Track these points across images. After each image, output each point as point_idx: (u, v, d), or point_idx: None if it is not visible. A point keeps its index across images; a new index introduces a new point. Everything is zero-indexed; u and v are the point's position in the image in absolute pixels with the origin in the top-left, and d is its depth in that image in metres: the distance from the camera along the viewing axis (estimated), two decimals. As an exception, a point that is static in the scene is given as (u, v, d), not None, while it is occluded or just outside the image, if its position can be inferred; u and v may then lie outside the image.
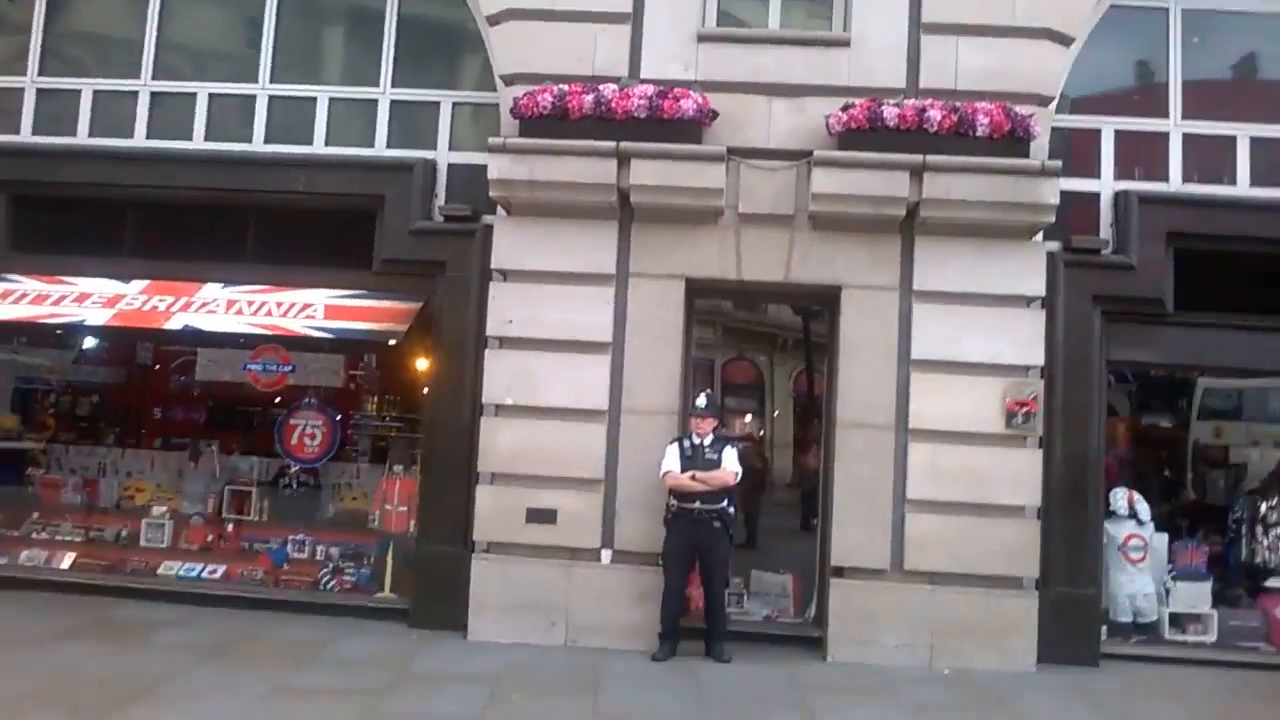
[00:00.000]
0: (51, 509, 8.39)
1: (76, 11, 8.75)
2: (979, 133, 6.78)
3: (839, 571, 7.05)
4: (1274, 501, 7.73)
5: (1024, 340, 7.01)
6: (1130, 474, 8.26)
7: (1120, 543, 7.25)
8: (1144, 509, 7.33)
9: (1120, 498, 7.31)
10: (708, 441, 6.89)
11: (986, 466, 6.92)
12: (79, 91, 8.26)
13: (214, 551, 8.13)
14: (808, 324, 12.18)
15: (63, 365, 9.46)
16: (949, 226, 6.99)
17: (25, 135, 8.27)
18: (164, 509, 8.24)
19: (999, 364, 6.99)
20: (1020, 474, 6.95)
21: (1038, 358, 7.02)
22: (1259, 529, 7.63)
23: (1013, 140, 6.79)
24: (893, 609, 6.95)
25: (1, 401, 9.06)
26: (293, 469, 8.35)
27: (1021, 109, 6.86)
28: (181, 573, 7.95)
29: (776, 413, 15.70)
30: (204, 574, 7.94)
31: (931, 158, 6.78)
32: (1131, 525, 7.28)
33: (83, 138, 8.20)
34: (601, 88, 7.10)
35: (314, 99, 8.11)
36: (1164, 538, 7.50)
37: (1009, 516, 6.93)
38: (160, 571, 7.97)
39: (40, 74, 8.35)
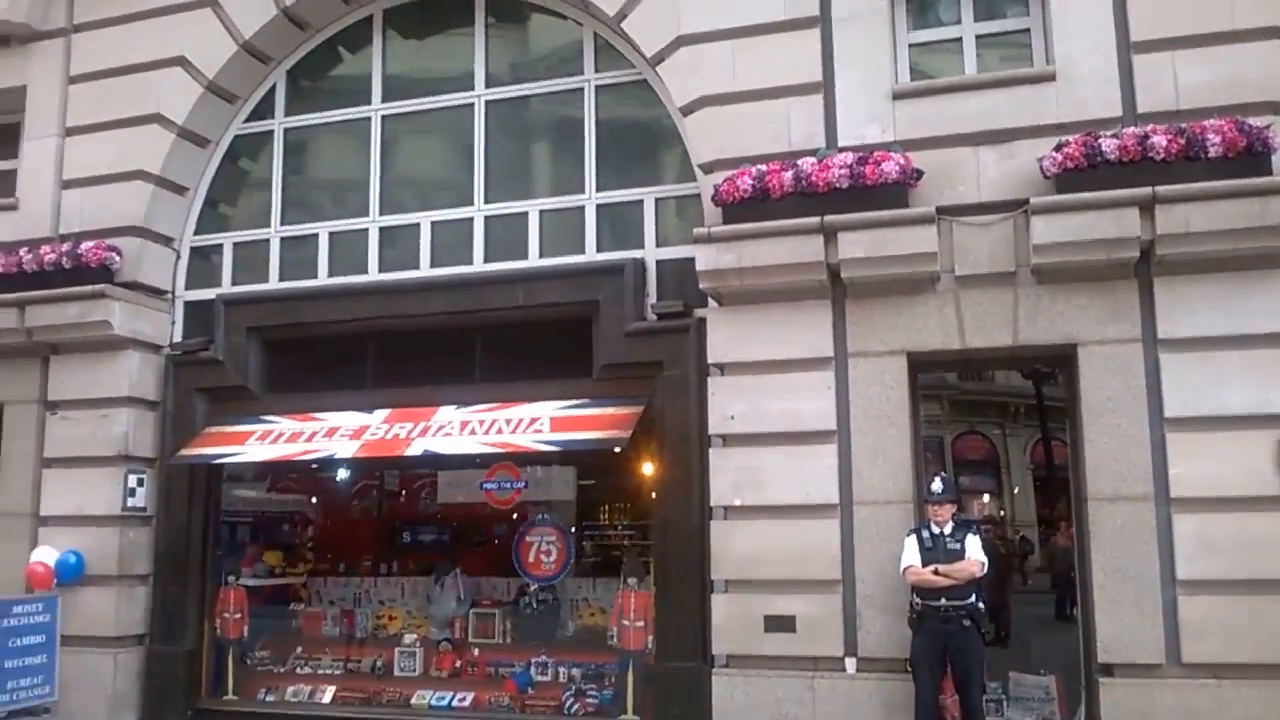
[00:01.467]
0: (313, 641, 11.10)
1: (309, 161, 11.81)
2: (1211, 154, 7.80)
3: (1108, 669, 8.04)
4: None
5: (1295, 382, 7.78)
6: None
7: None
8: None
9: None
10: (948, 529, 8.09)
11: (1267, 536, 7.71)
12: (316, 235, 11.27)
13: (462, 677, 10.41)
14: (1040, 388, 12.91)
15: (320, 497, 12.29)
16: (1191, 263, 8.00)
17: (273, 282, 11.29)
18: (414, 636, 10.69)
19: (1269, 414, 7.82)
20: (1304, 540, 7.69)
21: (1313, 401, 7.76)
22: None
23: (1251, 157, 7.77)
24: (1178, 711, 7.77)
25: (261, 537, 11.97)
26: (532, 587, 10.51)
27: (1256, 121, 7.83)
28: (434, 702, 10.26)
29: (1016, 489, 16.15)
30: (454, 702, 10.21)
31: (1161, 189, 7.83)
32: None
33: (322, 278, 11.10)
34: (800, 162, 8.84)
35: (525, 213, 10.55)
36: None
37: None
38: (414, 701, 10.33)
39: (282, 224, 11.40)
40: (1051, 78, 8.63)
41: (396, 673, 10.49)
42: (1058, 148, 8.20)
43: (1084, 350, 8.30)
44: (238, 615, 10.75)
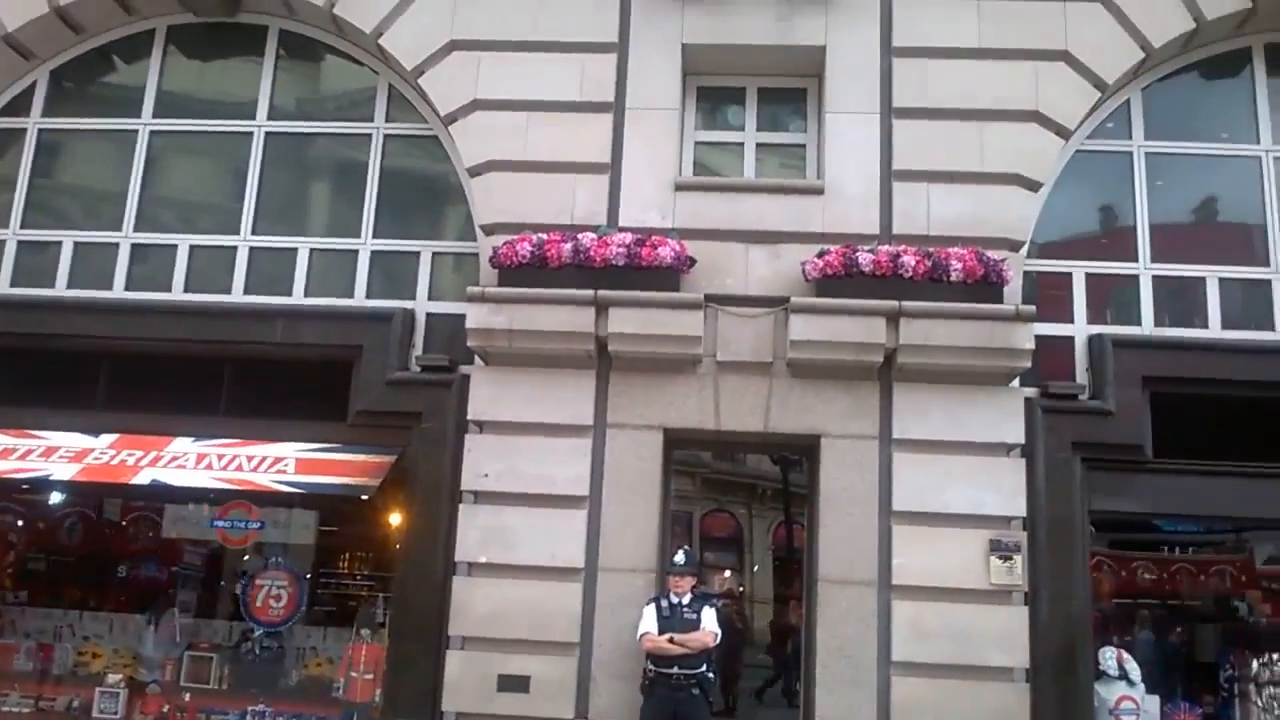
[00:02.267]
0: (1, 676, 10.06)
1: (62, 166, 11.10)
2: (953, 278, 8.66)
3: (823, 742, 8.49)
4: (1266, 658, 9.00)
5: (1006, 489, 8.72)
6: (1116, 630, 9.71)
7: (1112, 706, 8.62)
8: (1134, 669, 8.73)
9: (1110, 657, 8.75)
10: (686, 600, 8.40)
11: (973, 625, 8.49)
12: (60, 244, 10.50)
13: (169, 723, 9.70)
14: (786, 474, 13.84)
15: (25, 520, 11.30)
16: (927, 373, 8.81)
17: (3, 287, 10.43)
18: (119, 677, 9.90)
19: (982, 514, 8.68)
20: (1007, 632, 8.50)
21: (1020, 508, 8.72)
22: (1252, 688, 8.91)
23: (986, 285, 8.67)
24: (881, 786, 8.33)
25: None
26: (256, 633, 10.00)
27: (993, 254, 8.80)
28: (134, 748, 9.49)
29: (756, 567, 17.14)
30: (157, 749, 9.47)
31: (907, 304, 8.64)
32: (1123, 687, 8.67)
33: (60, 289, 10.35)
34: (580, 236, 9.11)
35: (295, 250, 10.27)
36: (1156, 700, 8.92)
37: (997, 679, 8.49)
38: (110, 746, 9.52)
39: (22, 226, 10.61)
40: (820, 191, 9.37)
41: (95, 714, 9.65)
42: (820, 255, 8.88)
43: (826, 442, 8.91)
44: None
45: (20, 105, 10.92)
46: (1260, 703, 9.01)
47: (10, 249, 10.56)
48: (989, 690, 8.38)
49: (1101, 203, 9.85)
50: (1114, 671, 8.68)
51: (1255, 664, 9.06)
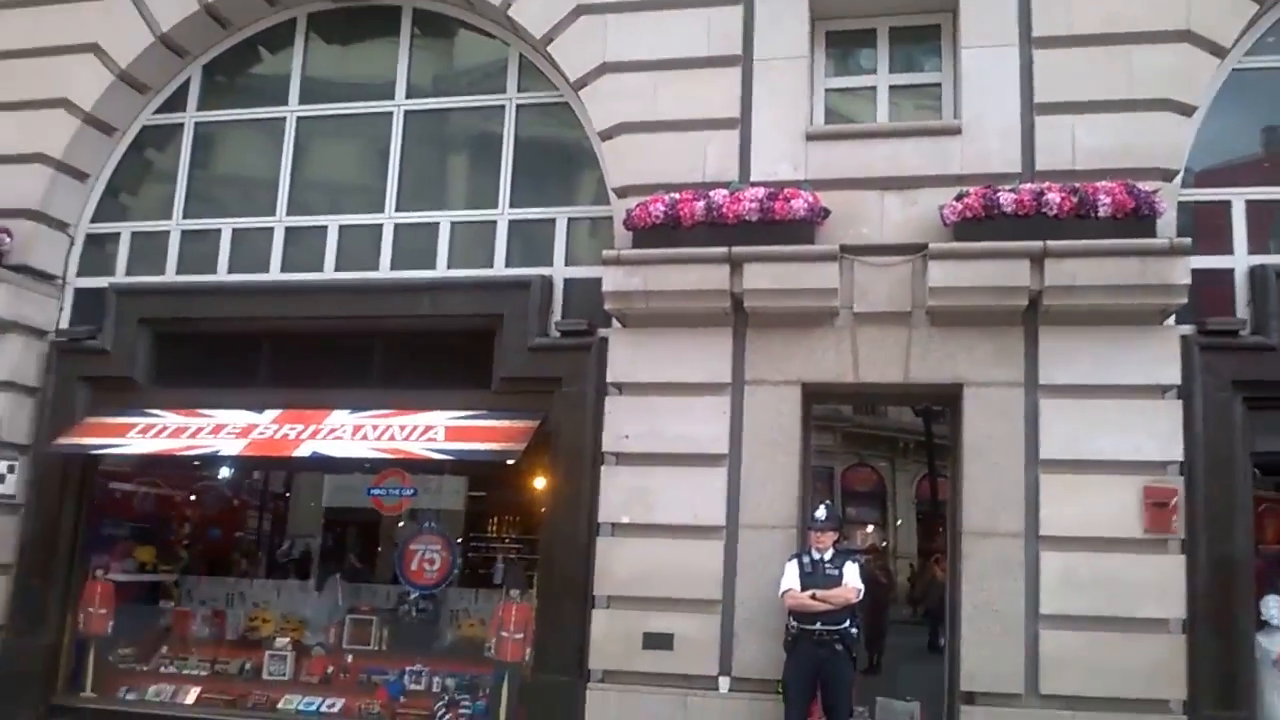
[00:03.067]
0: (180, 641, 10.73)
1: (218, 157, 11.60)
2: (1101, 214, 8.18)
3: (970, 698, 8.27)
4: None
5: (1161, 433, 8.23)
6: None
7: (1275, 657, 8.15)
8: (1299, 618, 8.18)
9: (1273, 606, 8.26)
10: (828, 556, 8.25)
11: (1126, 575, 8.08)
12: (219, 231, 11.01)
13: (334, 684, 10.14)
14: (930, 425, 13.37)
15: (198, 495, 11.90)
16: (1074, 315, 8.37)
17: (169, 275, 11.00)
18: (287, 640, 10.39)
19: (1136, 460, 8.23)
20: (1162, 582, 8.07)
21: (1177, 452, 8.22)
22: None
23: (1138, 219, 8.16)
24: (1029, 739, 8.03)
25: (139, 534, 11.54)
26: (412, 595, 10.31)
27: (1145, 185, 8.27)
28: (301, 707, 9.98)
29: (900, 522, 16.64)
30: (323, 708, 9.95)
31: (1052, 243, 8.20)
32: (1287, 637, 8.14)
33: (222, 275, 10.85)
34: (712, 193, 8.99)
35: (436, 224, 10.48)
36: (1325, 650, 8.22)
37: (1152, 631, 8.05)
38: (280, 706, 10.03)
39: (184, 217, 11.15)
40: (958, 131, 8.99)
41: (265, 676, 10.16)
42: (958, 198, 8.53)
43: (969, 391, 8.60)
44: (103, 611, 10.33)
45: (177, 101, 11.45)
46: None
47: (175, 239, 11.09)
48: (1143, 642, 7.97)
49: (1263, 124, 9.12)
50: (1277, 621, 8.20)
51: None
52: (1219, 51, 8.70)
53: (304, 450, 9.58)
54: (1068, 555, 8.16)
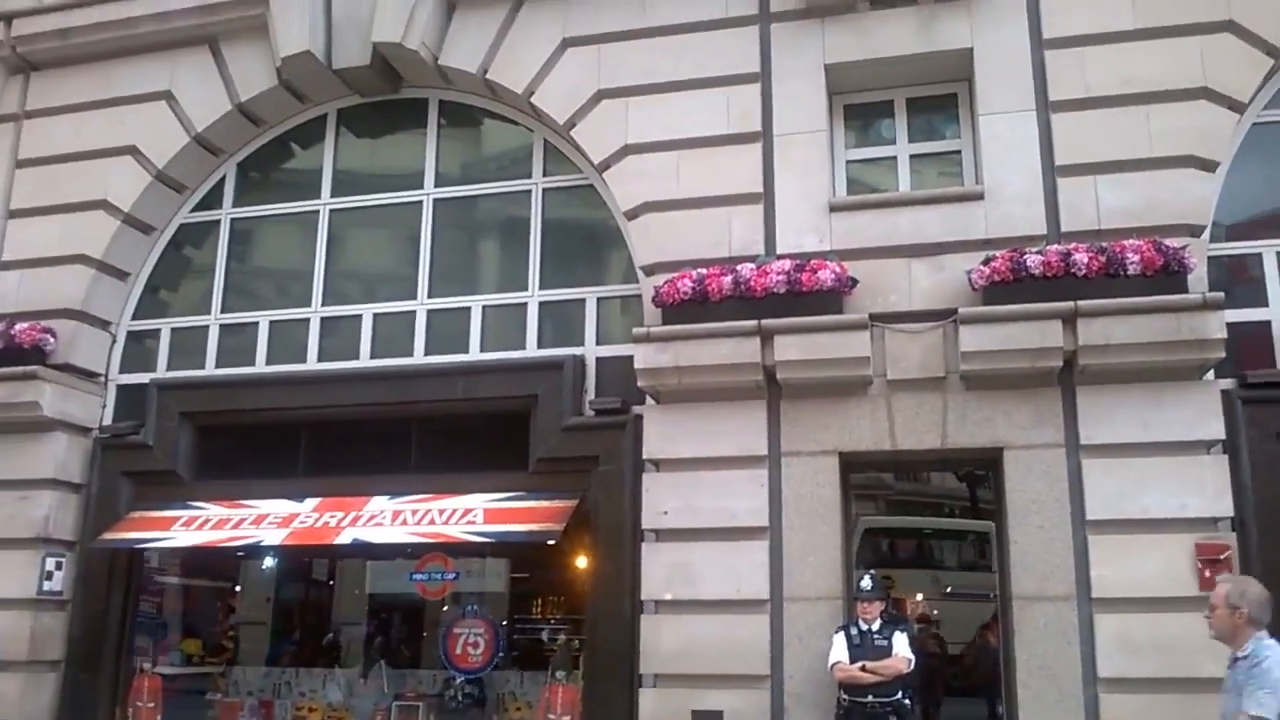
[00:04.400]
0: (228, 733, 10.41)
1: (254, 251, 11.58)
2: (1130, 272, 7.97)
3: (1032, 765, 7.84)
4: None
5: (1209, 489, 7.92)
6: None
7: (1343, 712, 7.57)
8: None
9: (1334, 658, 7.68)
10: (875, 626, 7.99)
11: (1183, 635, 7.63)
12: (257, 324, 10.97)
13: (382, 770, 9.78)
14: (974, 490, 13.04)
15: (243, 586, 11.75)
16: (1111, 373, 8.13)
17: (209, 369, 10.92)
18: (332, 731, 10.07)
19: (1185, 518, 7.91)
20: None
21: (1226, 508, 7.90)
22: None
23: (1168, 275, 7.94)
24: (1098, 807, 7.66)
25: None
26: (458, 680, 10.04)
27: (1173, 242, 8.06)
28: (352, 798, 9.65)
29: (949, 589, 16.26)
30: (373, 800, 9.60)
31: (1083, 303, 7.99)
32: (1346, 695, 7.61)
33: (260, 366, 10.77)
34: (739, 267, 8.85)
35: (468, 309, 10.38)
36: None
37: (1213, 691, 7.42)
38: (329, 799, 9.71)
39: (223, 311, 11.09)
40: (980, 196, 8.82)
41: (316, 765, 9.95)
42: (985, 262, 8.35)
43: (1010, 454, 8.33)
44: (151, 704, 10.09)
45: (213, 199, 11.47)
46: None
47: (214, 333, 11.04)
48: (1205, 703, 7.40)
49: (1289, 175, 8.96)
50: (1340, 674, 7.75)
51: None
52: (1237, 107, 8.54)
53: (345, 538, 9.40)
54: (1123, 617, 7.83)
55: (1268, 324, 8.46)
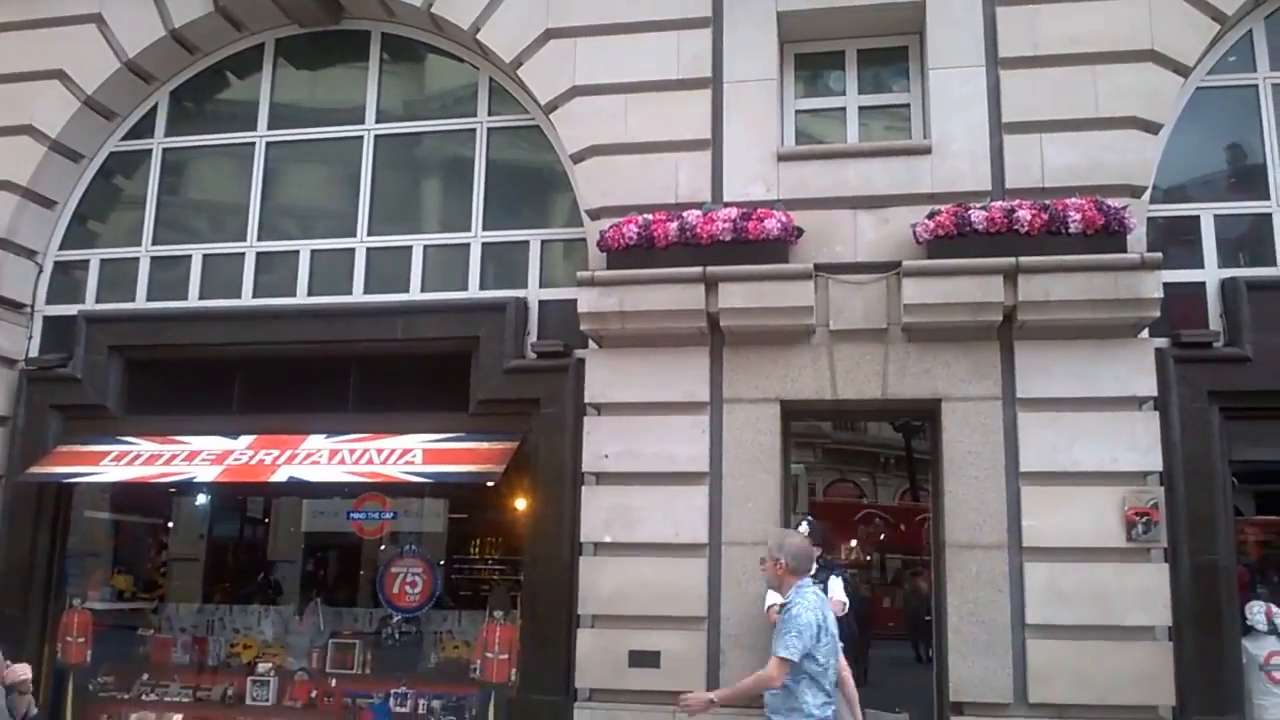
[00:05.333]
0: (161, 669, 10.26)
1: (187, 183, 11.23)
2: (1072, 230, 8.07)
3: (958, 708, 8.11)
4: None
5: (1139, 444, 8.12)
6: (1264, 583, 9.03)
7: (1261, 661, 8.01)
8: (1285, 622, 8.11)
9: (1258, 611, 8.12)
10: (811, 571, 8.03)
11: (1110, 584, 7.96)
12: (190, 257, 10.62)
13: (318, 708, 9.78)
14: (910, 440, 13.30)
15: (176, 522, 11.52)
16: (1049, 329, 8.26)
17: (140, 302, 10.59)
18: (269, 665, 9.99)
19: (1115, 471, 8.11)
20: (1146, 591, 7.95)
21: (1155, 463, 8.11)
22: None
23: (1108, 235, 8.06)
24: (1020, 747, 7.89)
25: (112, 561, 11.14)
26: (395, 619, 9.99)
27: (1114, 201, 8.17)
28: (286, 733, 9.59)
29: (882, 535, 16.64)
30: (308, 734, 9.54)
31: (1025, 259, 8.08)
32: (1273, 641, 8.04)
33: (193, 301, 10.46)
34: (685, 214, 8.78)
35: (409, 247, 10.16)
36: (1310, 654, 8.18)
37: (1138, 639, 7.93)
38: (264, 732, 9.63)
39: (154, 243, 10.74)
40: (928, 151, 8.84)
41: (248, 702, 9.78)
42: (930, 216, 8.40)
43: (948, 405, 8.45)
44: (81, 639, 9.91)
45: (144, 128, 11.05)
46: None
47: (144, 265, 10.69)
48: (1130, 650, 7.85)
49: (1228, 141, 9.04)
50: (1263, 626, 8.07)
51: None
52: (1182, 70, 8.63)
53: (281, 475, 9.22)
54: (1052, 566, 8.02)
55: (1202, 285, 8.62)
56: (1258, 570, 9.20)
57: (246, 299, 10.34)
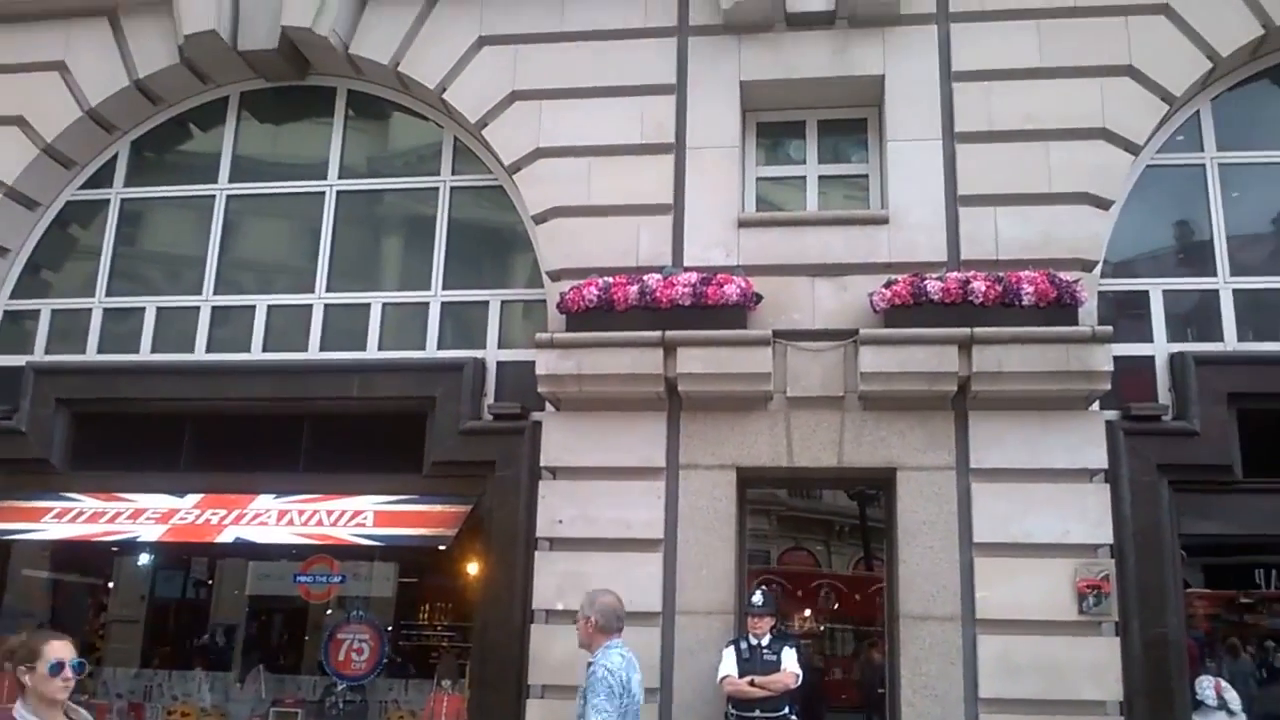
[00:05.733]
0: (96, 736, 9.91)
1: (144, 234, 11.18)
2: (1025, 302, 8.23)
3: (913, 781, 8.01)
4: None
5: (1090, 516, 8.21)
6: (1213, 657, 9.21)
7: (1211, 736, 8.05)
8: (1234, 698, 8.16)
9: (1207, 686, 8.20)
10: (765, 641, 8.05)
11: (1062, 658, 8.00)
12: (143, 310, 10.53)
13: (258, 777, 9.51)
14: (864, 509, 13.39)
15: (116, 584, 11.31)
16: (1002, 400, 8.37)
17: (90, 354, 10.46)
18: (206, 735, 9.75)
19: (1067, 544, 8.19)
20: (1098, 664, 7.99)
21: (1106, 535, 8.20)
22: None
23: (1060, 308, 8.22)
24: (985, 825, 7.86)
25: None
26: (340, 687, 9.80)
27: (1066, 275, 8.35)
28: (222, 806, 9.35)
29: (837, 605, 16.65)
30: (248, 803, 9.32)
31: (979, 330, 8.22)
32: (1222, 717, 8.09)
33: (145, 354, 10.34)
34: (646, 278, 8.86)
35: (368, 305, 10.13)
36: (1258, 729, 8.22)
37: (1091, 713, 7.97)
38: (199, 805, 9.39)
39: (107, 294, 10.66)
40: (885, 221, 9.01)
41: (186, 770, 9.59)
42: (887, 285, 8.53)
43: (902, 474, 8.51)
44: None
45: (103, 177, 10.99)
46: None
47: (97, 317, 10.57)
48: (1082, 726, 7.90)
49: (1176, 218, 9.32)
50: (1212, 701, 8.14)
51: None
52: (1133, 149, 8.89)
53: (227, 536, 9.04)
54: (1005, 638, 8.05)
55: (1151, 359, 8.81)
56: (1206, 644, 9.32)
57: (200, 354, 10.24)
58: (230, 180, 10.75)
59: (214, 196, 10.71)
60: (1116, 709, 7.95)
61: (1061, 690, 7.90)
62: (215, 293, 10.45)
